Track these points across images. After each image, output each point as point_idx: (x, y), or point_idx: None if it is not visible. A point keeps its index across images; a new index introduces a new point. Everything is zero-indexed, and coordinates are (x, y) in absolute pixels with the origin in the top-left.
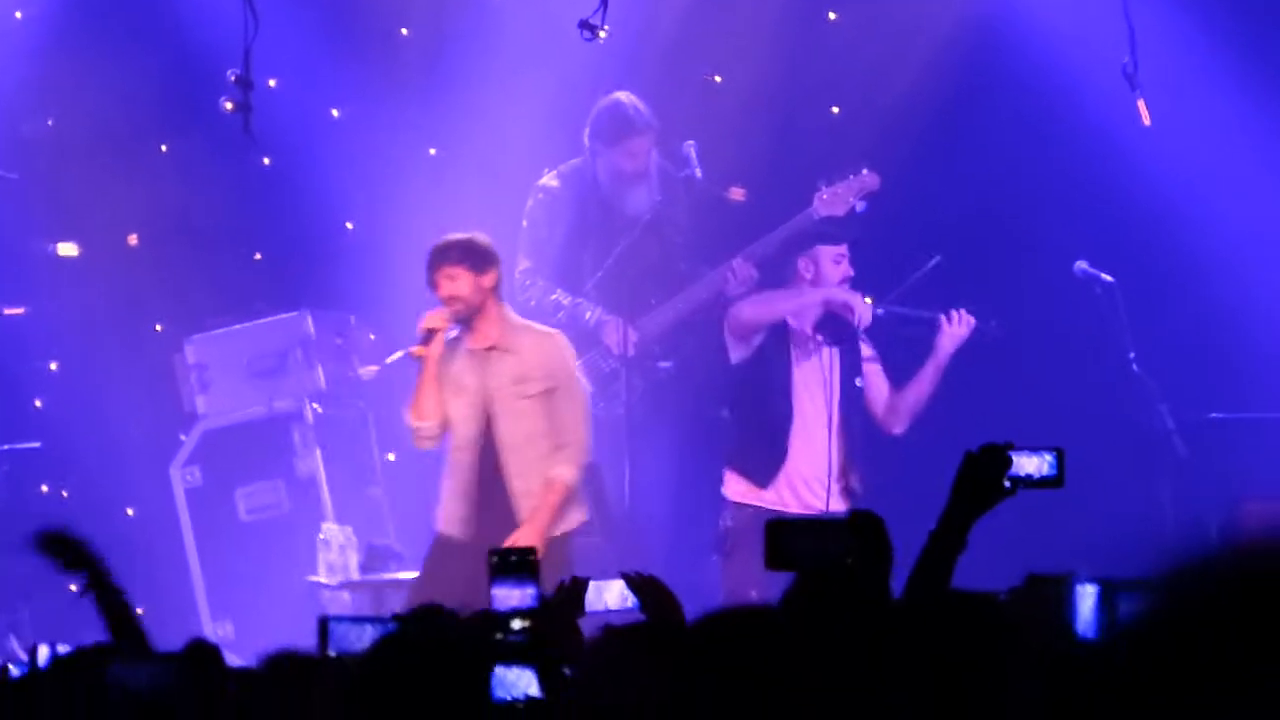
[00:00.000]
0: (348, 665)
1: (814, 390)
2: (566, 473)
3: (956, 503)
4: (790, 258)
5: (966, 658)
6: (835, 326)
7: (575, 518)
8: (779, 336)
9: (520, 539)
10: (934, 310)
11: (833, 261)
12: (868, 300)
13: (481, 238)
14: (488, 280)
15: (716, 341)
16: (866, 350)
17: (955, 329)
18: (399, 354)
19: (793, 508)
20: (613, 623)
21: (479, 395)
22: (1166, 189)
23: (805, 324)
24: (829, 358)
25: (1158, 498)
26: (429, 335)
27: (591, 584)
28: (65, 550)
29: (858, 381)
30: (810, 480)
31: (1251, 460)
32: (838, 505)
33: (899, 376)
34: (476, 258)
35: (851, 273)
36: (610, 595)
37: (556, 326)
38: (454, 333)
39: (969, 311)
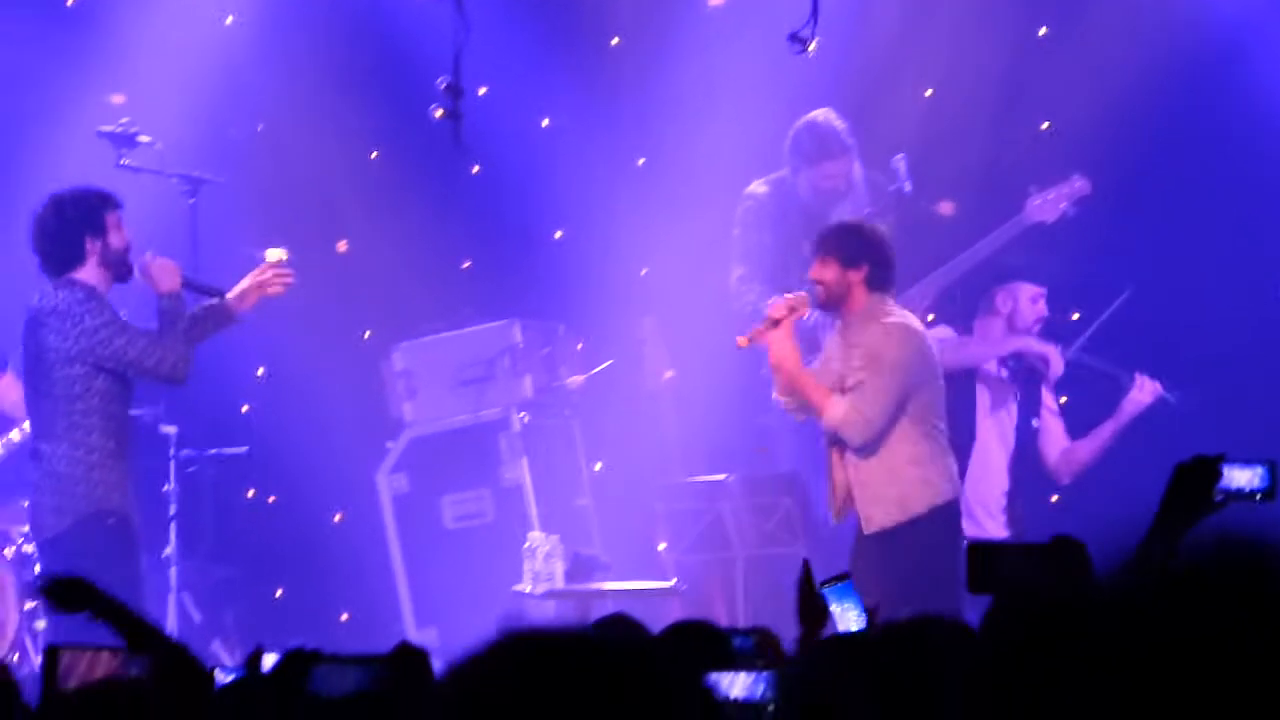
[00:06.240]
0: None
1: (996, 420)
2: (835, 406)
3: (1165, 515)
4: (989, 288)
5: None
6: (1024, 368)
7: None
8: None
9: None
10: (1123, 367)
11: (1030, 300)
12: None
13: (862, 228)
14: (856, 275)
15: None
16: (1049, 398)
17: (1140, 395)
18: (606, 364)
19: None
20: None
21: (833, 383)
22: None
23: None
24: (1012, 394)
25: None
26: (771, 324)
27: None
28: (70, 596)
29: (1034, 423)
30: (979, 505)
31: None
32: (999, 532)
33: (1076, 425)
34: (848, 251)
35: (1046, 313)
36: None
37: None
38: (812, 317)
39: (1160, 372)
